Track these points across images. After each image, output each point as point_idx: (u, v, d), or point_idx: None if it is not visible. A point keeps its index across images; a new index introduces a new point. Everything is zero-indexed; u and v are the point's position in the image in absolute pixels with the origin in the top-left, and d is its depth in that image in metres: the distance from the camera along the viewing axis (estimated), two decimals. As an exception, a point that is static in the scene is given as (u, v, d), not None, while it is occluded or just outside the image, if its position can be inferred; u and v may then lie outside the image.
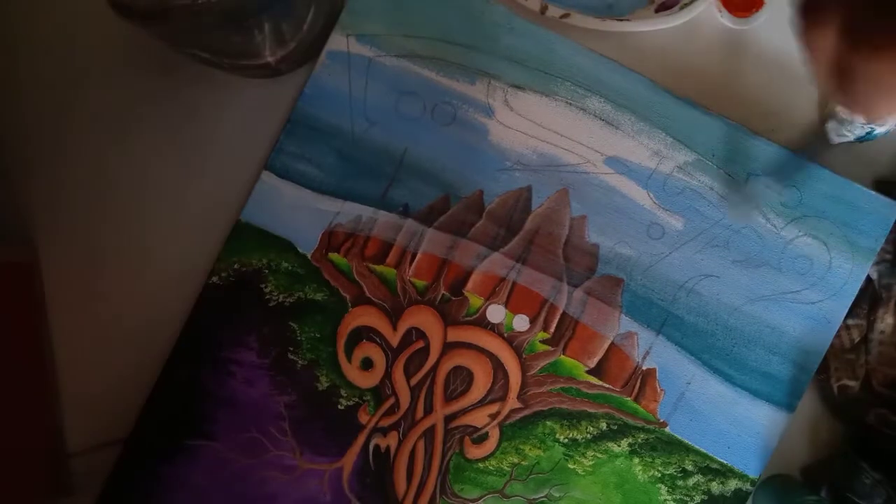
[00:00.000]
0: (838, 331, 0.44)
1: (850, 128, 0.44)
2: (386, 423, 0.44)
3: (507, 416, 0.44)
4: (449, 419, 0.44)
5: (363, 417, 0.44)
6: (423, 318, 0.44)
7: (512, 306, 0.44)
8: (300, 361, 0.44)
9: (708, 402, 0.43)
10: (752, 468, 0.43)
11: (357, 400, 0.44)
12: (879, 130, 0.44)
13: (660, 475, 0.43)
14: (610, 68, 0.44)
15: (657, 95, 0.44)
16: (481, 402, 0.44)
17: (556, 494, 0.43)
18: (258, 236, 0.44)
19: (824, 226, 0.44)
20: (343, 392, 0.44)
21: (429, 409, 0.44)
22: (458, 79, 0.44)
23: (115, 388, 0.44)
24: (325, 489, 0.43)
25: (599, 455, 0.43)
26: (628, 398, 0.44)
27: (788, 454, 0.44)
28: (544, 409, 0.44)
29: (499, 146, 0.44)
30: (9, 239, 0.45)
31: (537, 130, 0.44)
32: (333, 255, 0.44)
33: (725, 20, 0.46)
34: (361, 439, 0.43)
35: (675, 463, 0.43)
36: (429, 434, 0.44)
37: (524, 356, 0.44)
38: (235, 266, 0.44)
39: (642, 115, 0.44)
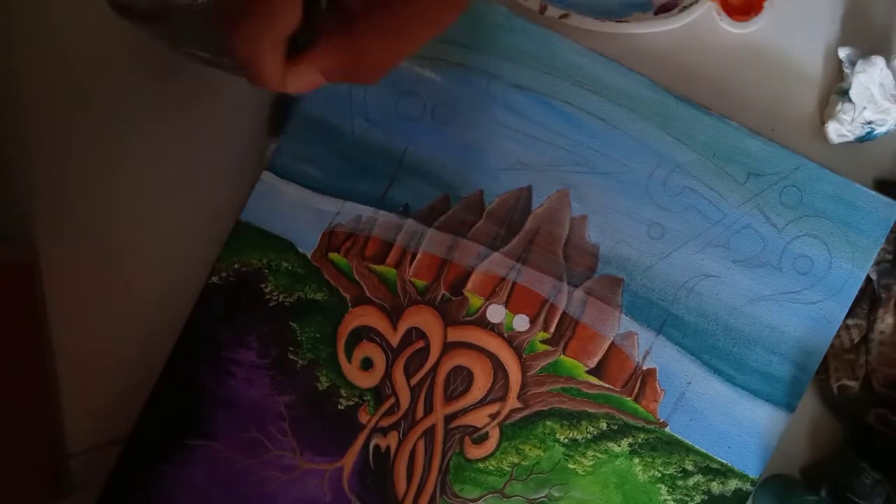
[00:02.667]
0: (838, 331, 0.43)
1: (851, 128, 0.44)
2: (386, 422, 0.44)
3: (508, 416, 0.44)
4: (449, 419, 0.44)
5: (363, 417, 0.44)
6: (424, 318, 0.44)
7: (512, 306, 0.44)
8: (300, 361, 0.44)
9: (708, 402, 0.43)
10: (752, 468, 0.43)
11: (357, 400, 0.44)
12: (880, 130, 0.44)
13: (660, 475, 0.43)
14: (610, 68, 0.44)
15: (657, 95, 0.44)
16: (481, 402, 0.44)
17: (556, 494, 0.43)
18: (258, 236, 0.44)
19: (824, 226, 0.44)
20: (343, 392, 0.44)
21: (429, 409, 0.44)
22: (458, 79, 0.44)
23: (115, 388, 0.44)
24: (326, 489, 0.43)
25: (599, 455, 0.43)
26: (628, 398, 0.44)
27: (788, 454, 0.44)
28: (544, 409, 0.44)
29: (499, 146, 0.44)
30: (9, 239, 0.45)
31: (537, 130, 0.44)
32: (333, 255, 0.44)
33: (725, 24, 0.46)
34: (361, 439, 0.43)
35: (676, 463, 0.43)
36: (429, 434, 0.44)
37: (524, 356, 0.44)
38: (235, 266, 0.44)
39: (642, 115, 0.44)
